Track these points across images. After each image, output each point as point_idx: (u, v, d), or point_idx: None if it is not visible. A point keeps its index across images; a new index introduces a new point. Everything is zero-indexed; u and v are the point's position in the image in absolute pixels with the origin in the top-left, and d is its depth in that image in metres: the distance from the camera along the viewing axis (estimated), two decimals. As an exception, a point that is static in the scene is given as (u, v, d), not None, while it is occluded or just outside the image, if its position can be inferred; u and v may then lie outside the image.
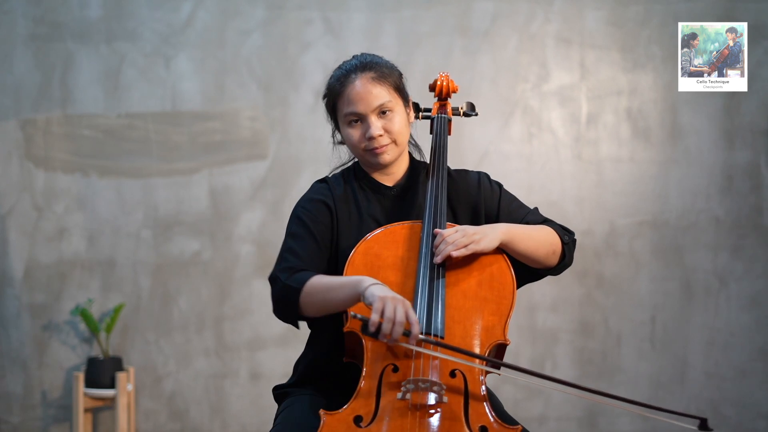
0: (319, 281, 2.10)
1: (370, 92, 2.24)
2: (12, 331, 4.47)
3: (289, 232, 2.26)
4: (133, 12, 4.47)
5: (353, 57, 2.33)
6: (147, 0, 4.47)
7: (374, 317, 1.92)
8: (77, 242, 4.48)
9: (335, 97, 2.29)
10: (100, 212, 4.48)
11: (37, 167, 4.47)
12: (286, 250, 2.21)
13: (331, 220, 2.27)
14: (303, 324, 2.27)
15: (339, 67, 2.32)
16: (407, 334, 1.94)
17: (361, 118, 2.25)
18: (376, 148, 2.25)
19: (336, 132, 2.39)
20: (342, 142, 2.38)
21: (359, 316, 1.93)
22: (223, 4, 4.48)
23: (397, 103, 2.27)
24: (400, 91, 2.30)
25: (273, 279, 2.17)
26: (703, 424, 1.97)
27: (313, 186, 2.36)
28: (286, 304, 2.13)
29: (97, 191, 4.48)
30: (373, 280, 2.01)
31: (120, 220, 4.48)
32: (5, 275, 4.46)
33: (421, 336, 1.98)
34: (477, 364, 2.04)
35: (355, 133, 2.26)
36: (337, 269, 2.23)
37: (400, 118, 2.27)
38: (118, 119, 4.49)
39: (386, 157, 2.27)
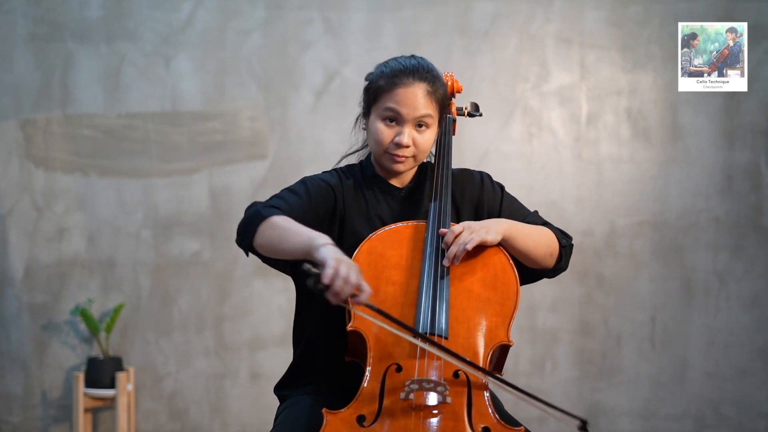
0: (284, 221, 2.09)
1: (420, 102, 2.21)
2: (12, 331, 4.47)
3: (288, 187, 2.27)
4: (133, 12, 4.46)
5: (413, 56, 2.29)
6: (147, 0, 4.46)
7: (328, 271, 1.88)
8: (77, 242, 4.48)
9: (381, 91, 2.23)
10: (100, 212, 4.48)
11: (37, 167, 4.47)
12: (277, 195, 2.23)
13: (335, 207, 2.27)
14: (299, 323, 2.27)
15: (395, 59, 2.28)
16: (353, 295, 1.91)
17: (398, 120, 2.22)
18: (397, 156, 2.24)
19: (361, 118, 2.35)
20: (364, 128, 2.35)
21: (314, 269, 1.89)
22: (223, 4, 4.48)
23: (434, 121, 2.26)
24: (442, 107, 2.28)
25: (250, 206, 2.18)
26: (583, 425, 1.99)
27: (324, 172, 2.36)
28: (246, 227, 2.12)
29: (97, 191, 4.48)
30: (330, 241, 1.99)
31: (120, 220, 4.48)
32: (5, 275, 4.46)
33: (429, 336, 1.97)
34: (474, 370, 2.04)
35: (386, 131, 2.23)
36: None
37: (430, 136, 2.26)
38: (118, 119, 4.49)
39: (401, 167, 2.27)
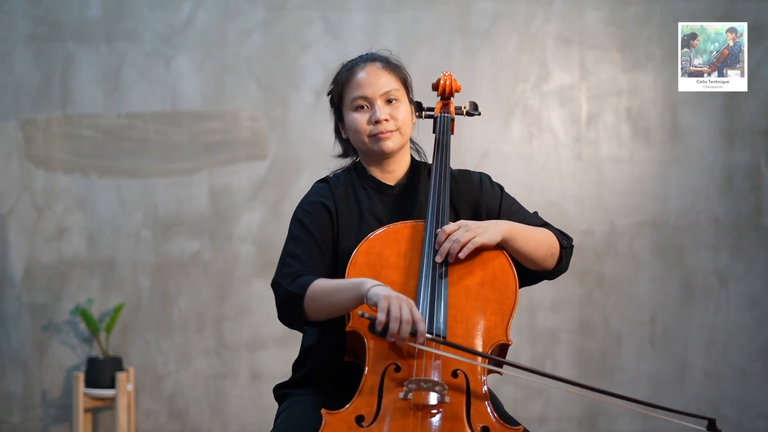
0: (321, 285, 2.10)
1: (379, 78, 2.28)
2: (12, 331, 4.47)
3: (290, 235, 2.26)
4: (133, 12, 4.47)
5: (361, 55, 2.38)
6: (147, 0, 4.47)
7: (381, 316, 1.93)
8: (77, 242, 4.48)
9: (342, 85, 2.31)
10: (100, 212, 4.48)
11: (37, 167, 4.47)
12: (287, 254, 2.22)
13: (331, 221, 2.27)
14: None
15: (347, 61, 2.36)
16: (414, 333, 1.95)
17: (368, 103, 2.27)
18: (381, 133, 2.26)
19: (338, 129, 2.40)
20: (345, 139, 2.37)
21: (367, 315, 1.95)
22: (223, 4, 4.48)
23: (403, 95, 2.31)
24: (406, 85, 2.34)
25: (275, 285, 2.18)
26: (712, 424, 1.99)
27: (313, 186, 2.37)
28: (291, 311, 2.14)
29: (97, 191, 4.48)
30: (375, 282, 2.02)
31: (120, 220, 4.48)
32: (5, 275, 4.46)
33: (428, 335, 1.99)
34: (480, 362, 2.04)
35: (361, 117, 2.28)
36: (338, 269, 2.23)
37: (405, 109, 2.30)
38: (118, 119, 4.49)
39: (390, 144, 2.28)
